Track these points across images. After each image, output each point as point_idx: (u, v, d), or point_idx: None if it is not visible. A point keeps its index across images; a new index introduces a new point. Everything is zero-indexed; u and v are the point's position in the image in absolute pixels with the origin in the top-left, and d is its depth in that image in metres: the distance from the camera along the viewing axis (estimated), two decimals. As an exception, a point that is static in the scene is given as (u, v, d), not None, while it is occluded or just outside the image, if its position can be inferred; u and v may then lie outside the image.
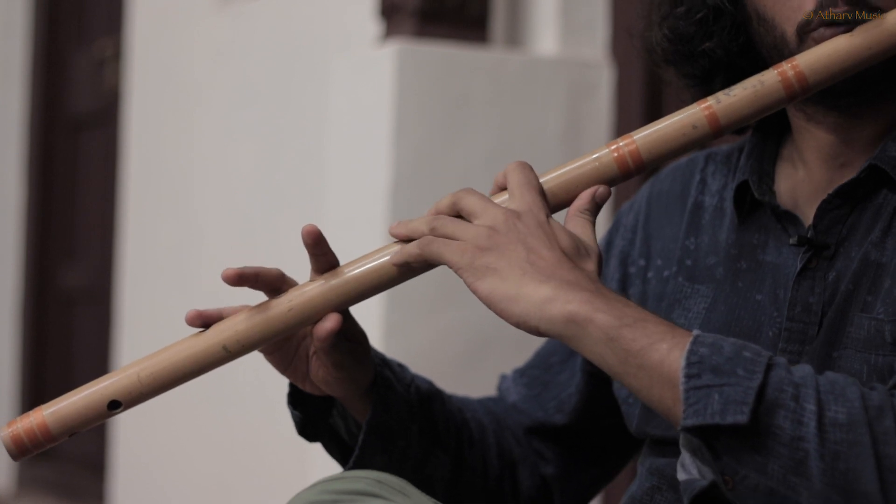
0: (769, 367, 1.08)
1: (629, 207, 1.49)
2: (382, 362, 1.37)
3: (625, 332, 1.12)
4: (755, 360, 1.09)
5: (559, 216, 1.23)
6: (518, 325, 1.15)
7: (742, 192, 1.35)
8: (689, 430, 1.09)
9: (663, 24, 1.36)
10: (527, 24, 2.64)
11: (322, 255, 1.26)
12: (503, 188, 1.24)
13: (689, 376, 1.09)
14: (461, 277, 1.17)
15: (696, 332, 1.12)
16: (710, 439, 1.09)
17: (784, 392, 1.07)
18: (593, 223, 1.22)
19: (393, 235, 1.23)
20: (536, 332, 1.15)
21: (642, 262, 1.44)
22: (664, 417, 1.13)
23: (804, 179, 1.33)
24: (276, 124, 3.18)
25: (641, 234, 1.45)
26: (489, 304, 1.16)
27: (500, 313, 1.15)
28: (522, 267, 1.15)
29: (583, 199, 1.23)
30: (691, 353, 1.09)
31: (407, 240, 1.22)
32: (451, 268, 1.18)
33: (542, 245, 1.16)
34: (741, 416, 1.06)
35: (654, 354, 1.11)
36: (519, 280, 1.14)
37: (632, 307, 1.14)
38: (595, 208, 1.23)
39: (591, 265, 1.18)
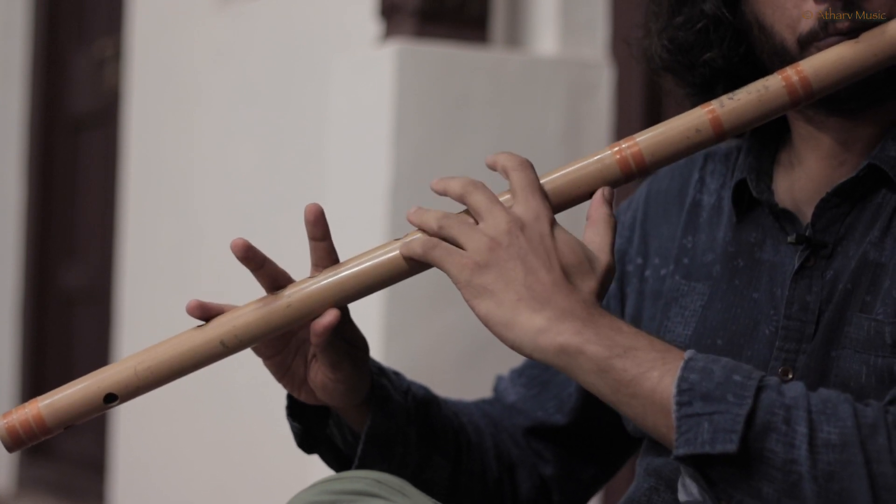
0: (759, 390, 1.08)
1: (627, 206, 1.48)
2: (379, 371, 1.37)
3: (615, 363, 1.12)
4: (745, 384, 1.09)
5: (559, 217, 1.22)
6: (512, 349, 1.16)
7: (740, 191, 1.34)
8: (682, 459, 1.09)
9: (662, 34, 1.35)
10: (527, 24, 2.64)
11: (321, 241, 1.25)
12: (492, 168, 1.23)
13: (680, 404, 1.09)
14: (460, 292, 1.17)
15: (688, 354, 1.12)
16: (703, 467, 1.10)
17: (775, 415, 1.07)
18: (614, 228, 1.20)
19: (408, 220, 1.23)
20: (531, 357, 1.16)
21: (640, 261, 1.44)
22: (662, 443, 1.13)
23: (802, 179, 1.32)
24: (276, 124, 3.18)
25: (639, 232, 1.45)
26: (486, 325, 1.16)
27: (496, 335, 1.16)
28: (518, 291, 1.15)
29: (599, 200, 1.21)
30: (682, 379, 1.10)
31: (419, 228, 1.22)
32: (450, 279, 1.18)
33: (541, 265, 1.16)
34: (730, 446, 1.07)
35: (646, 383, 1.11)
36: (514, 306, 1.15)
37: (623, 334, 1.14)
38: (611, 210, 1.22)
39: (591, 283, 1.17)
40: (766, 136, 1.37)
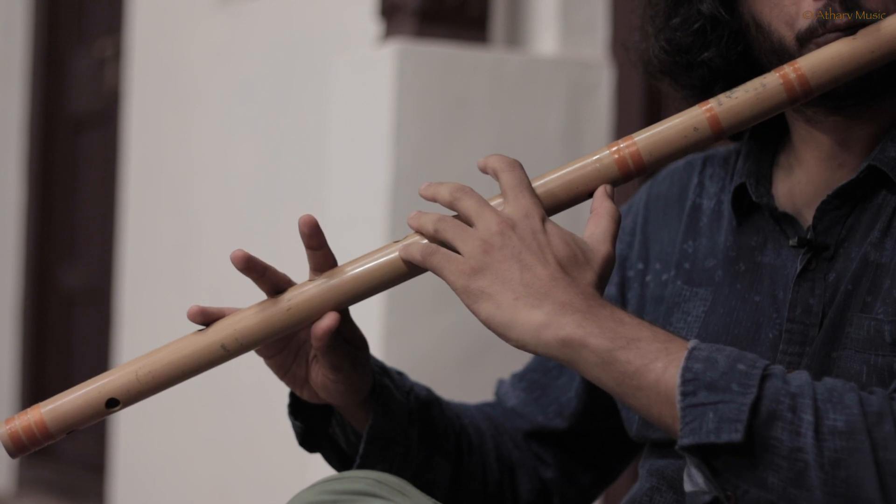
0: (764, 379, 1.08)
1: (626, 210, 1.48)
2: (381, 370, 1.37)
3: (619, 355, 1.12)
4: (749, 373, 1.08)
5: (560, 217, 1.23)
6: (517, 347, 1.16)
7: (740, 195, 1.34)
8: (687, 449, 1.09)
9: (659, 35, 1.35)
10: (527, 24, 2.64)
11: (318, 250, 1.25)
12: (483, 171, 1.23)
13: (684, 394, 1.09)
14: (459, 298, 1.17)
15: (691, 343, 1.12)
16: (708, 457, 1.09)
17: (781, 403, 1.07)
18: (618, 220, 1.20)
19: (408, 224, 1.23)
20: (535, 353, 1.16)
21: (640, 266, 1.44)
22: (668, 433, 1.13)
23: (802, 181, 1.32)
24: (275, 124, 3.18)
25: (640, 237, 1.45)
26: (488, 327, 1.16)
27: (499, 336, 1.16)
28: (515, 290, 1.15)
29: (602, 194, 1.21)
30: (686, 370, 1.09)
31: (418, 231, 1.22)
32: (448, 286, 1.18)
33: (535, 260, 1.16)
34: (735, 435, 1.06)
35: (650, 374, 1.11)
36: (513, 306, 1.14)
37: (625, 325, 1.13)
38: (614, 203, 1.22)
39: (589, 274, 1.17)
40: (765, 140, 1.37)
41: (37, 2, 4.63)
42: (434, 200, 1.23)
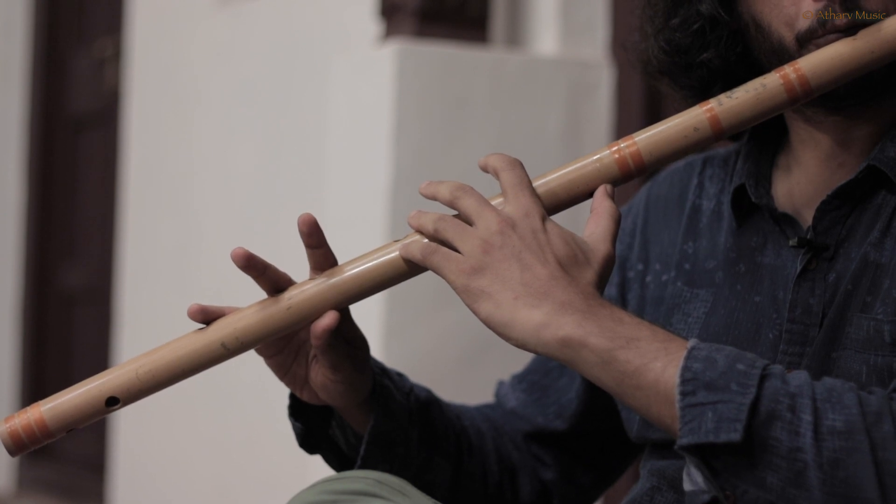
0: (763, 378, 1.08)
1: (626, 211, 1.48)
2: (382, 371, 1.37)
3: (618, 355, 1.12)
4: (748, 373, 1.08)
5: (560, 217, 1.23)
6: (517, 347, 1.16)
7: (739, 196, 1.34)
8: (686, 448, 1.09)
9: (658, 36, 1.35)
10: (527, 24, 2.64)
11: (318, 248, 1.25)
12: (484, 170, 1.23)
13: (683, 394, 1.09)
14: (459, 297, 1.18)
15: (691, 343, 1.12)
16: (707, 457, 1.10)
17: (780, 403, 1.07)
18: (617, 220, 1.20)
19: (408, 223, 1.23)
20: (535, 353, 1.16)
21: (640, 267, 1.44)
22: (667, 433, 1.13)
23: (801, 182, 1.32)
24: (275, 124, 3.18)
25: (640, 238, 1.45)
26: (488, 327, 1.17)
27: (499, 336, 1.16)
28: (515, 290, 1.15)
29: (602, 194, 1.21)
30: (685, 369, 1.09)
31: (418, 230, 1.22)
32: (449, 284, 1.18)
33: (535, 260, 1.16)
34: (734, 435, 1.07)
35: (650, 374, 1.11)
36: (512, 305, 1.15)
37: (625, 324, 1.14)
38: (614, 203, 1.22)
39: (589, 273, 1.17)
40: (764, 140, 1.37)
41: (37, 2, 4.63)
42: (434, 199, 1.23)
